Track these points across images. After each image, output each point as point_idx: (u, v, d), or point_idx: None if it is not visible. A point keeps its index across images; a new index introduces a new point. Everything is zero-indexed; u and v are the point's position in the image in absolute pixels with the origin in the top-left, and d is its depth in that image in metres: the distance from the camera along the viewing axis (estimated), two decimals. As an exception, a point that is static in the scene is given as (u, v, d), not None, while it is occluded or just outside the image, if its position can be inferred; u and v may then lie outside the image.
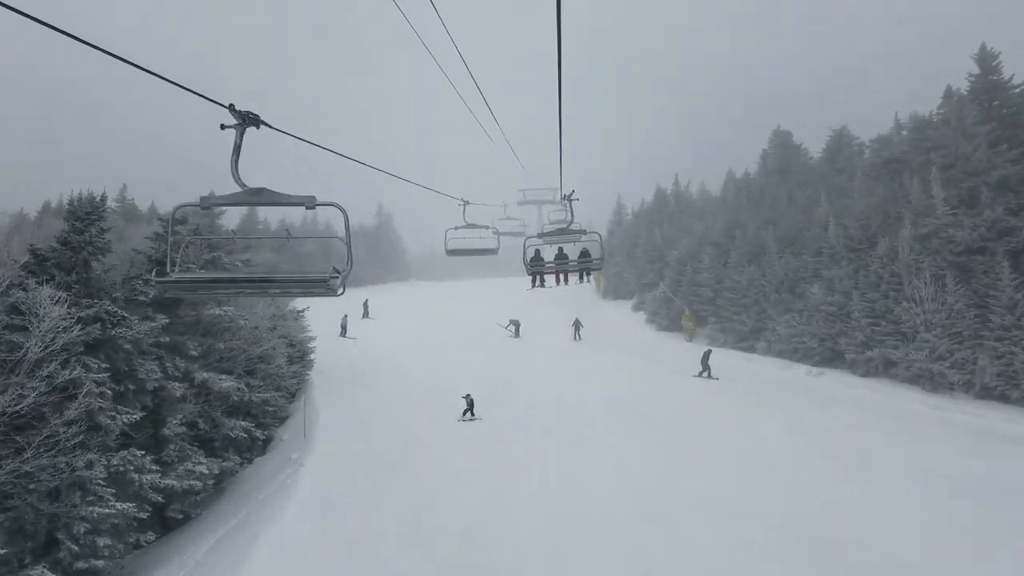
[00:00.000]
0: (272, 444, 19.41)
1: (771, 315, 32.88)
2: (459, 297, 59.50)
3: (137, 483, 13.09)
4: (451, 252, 13.99)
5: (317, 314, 30.68)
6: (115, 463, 12.74)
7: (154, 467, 13.65)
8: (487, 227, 14.06)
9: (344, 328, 37.22)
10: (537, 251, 13.67)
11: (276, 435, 19.69)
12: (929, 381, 25.44)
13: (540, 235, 12.59)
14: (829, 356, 29.75)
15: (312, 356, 25.88)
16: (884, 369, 27.41)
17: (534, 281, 15.63)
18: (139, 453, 13.21)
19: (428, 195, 13.36)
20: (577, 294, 58.91)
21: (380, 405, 22.58)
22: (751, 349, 33.55)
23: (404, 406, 22.25)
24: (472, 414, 21.48)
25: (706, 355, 29.55)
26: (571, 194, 11.58)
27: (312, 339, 26.78)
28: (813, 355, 29.99)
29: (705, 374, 28.90)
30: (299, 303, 30.50)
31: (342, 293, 5.65)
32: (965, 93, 32.96)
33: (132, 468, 13.02)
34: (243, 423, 18.58)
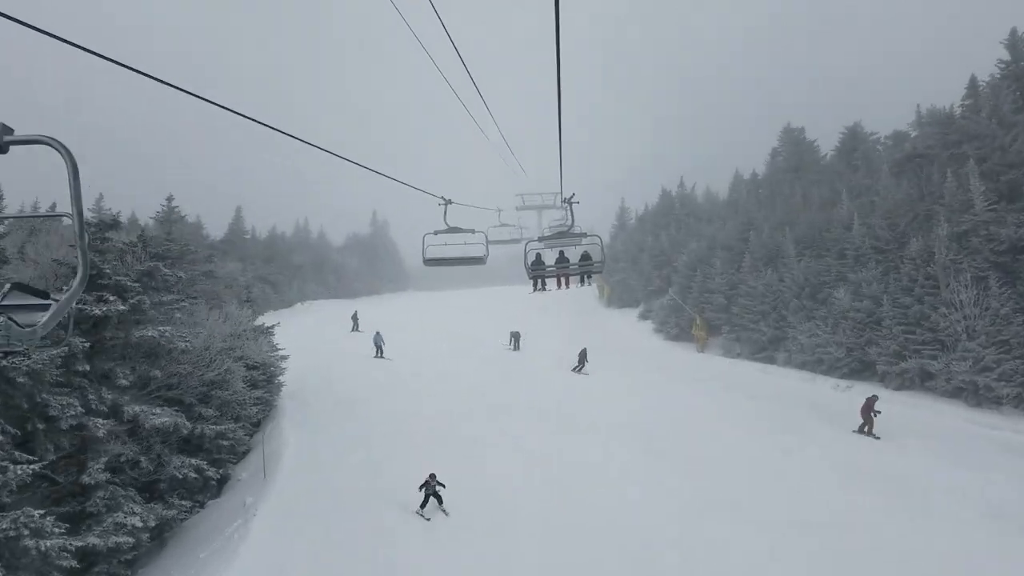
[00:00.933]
0: (229, 484, 16.77)
1: (792, 323, 30.23)
2: (457, 307, 56.95)
3: (34, 551, 10.46)
4: (429, 262, 12.75)
5: (297, 329, 28.17)
6: (2, 527, 10.12)
7: (59, 527, 10.98)
8: (472, 230, 12.70)
9: (379, 348, 32.34)
10: (538, 255, 13.29)
11: (234, 473, 17.04)
12: (973, 395, 22.79)
13: (541, 239, 12.20)
14: (858, 367, 27.08)
15: (281, 378, 23.25)
16: (921, 382, 24.74)
17: (535, 285, 14.45)
18: (35, 513, 10.57)
19: (426, 202, 12.53)
20: (581, 303, 56.43)
21: (360, 435, 19.94)
22: (770, 360, 30.88)
23: (385, 439, 19.58)
24: (438, 501, 14.91)
25: (869, 404, 21.20)
26: (571, 197, 11.58)
27: (283, 358, 24.11)
28: (840, 366, 27.31)
29: (866, 428, 20.94)
30: (270, 318, 28.12)
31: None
32: (991, 80, 30.70)
33: (27, 532, 10.39)
34: (194, 461, 15.93)
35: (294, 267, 67.63)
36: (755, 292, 32.67)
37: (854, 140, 45.75)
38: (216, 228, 60.37)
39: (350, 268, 72.06)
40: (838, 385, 26.60)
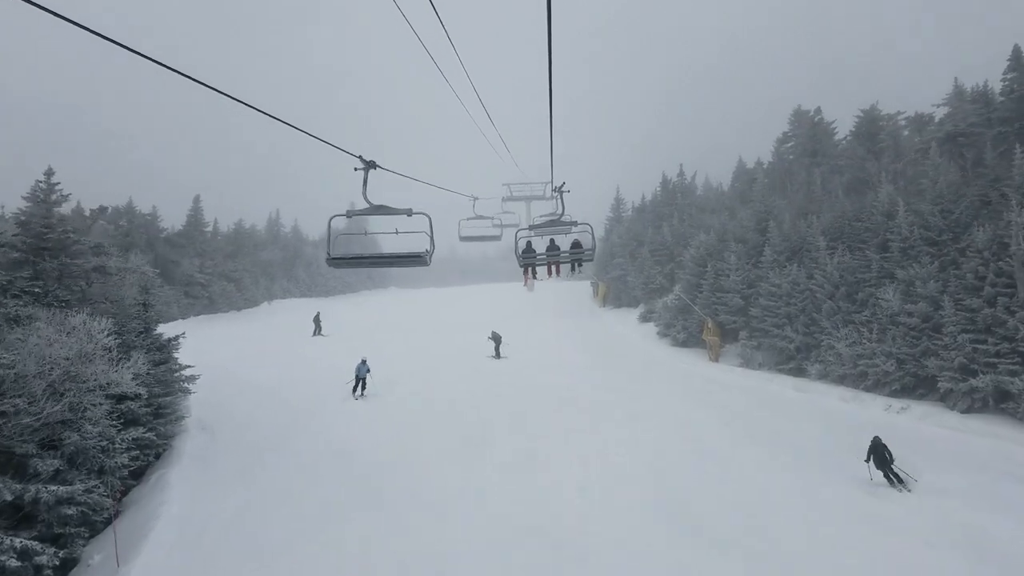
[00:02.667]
0: (76, 571, 11.70)
1: (825, 328, 25.40)
2: (441, 308, 51.82)
3: None
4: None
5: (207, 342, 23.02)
6: None
7: None
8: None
9: (360, 381, 23.28)
10: (528, 243, 13.45)
11: (83, 555, 11.92)
12: (1070, 421, 18.08)
13: (531, 227, 12.08)
14: (912, 384, 22.27)
15: (189, 405, 18.17)
16: (996, 403, 19.97)
17: (526, 272, 14.55)
18: None
19: (417, 194, 10.31)
20: (574, 302, 51.56)
21: (287, 490, 14.93)
22: (800, 372, 26.05)
23: (323, 499, 14.58)
24: None
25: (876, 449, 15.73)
26: (562, 186, 11.75)
27: (189, 379, 18.88)
28: (890, 382, 22.50)
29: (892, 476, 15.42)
30: (172, 328, 23.23)
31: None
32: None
33: None
34: (21, 540, 10.87)
35: (262, 263, 62.33)
36: (779, 291, 27.81)
37: (871, 123, 41.37)
38: (176, 220, 55.01)
39: (320, 265, 66.65)
40: (890, 406, 21.77)
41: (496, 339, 31.34)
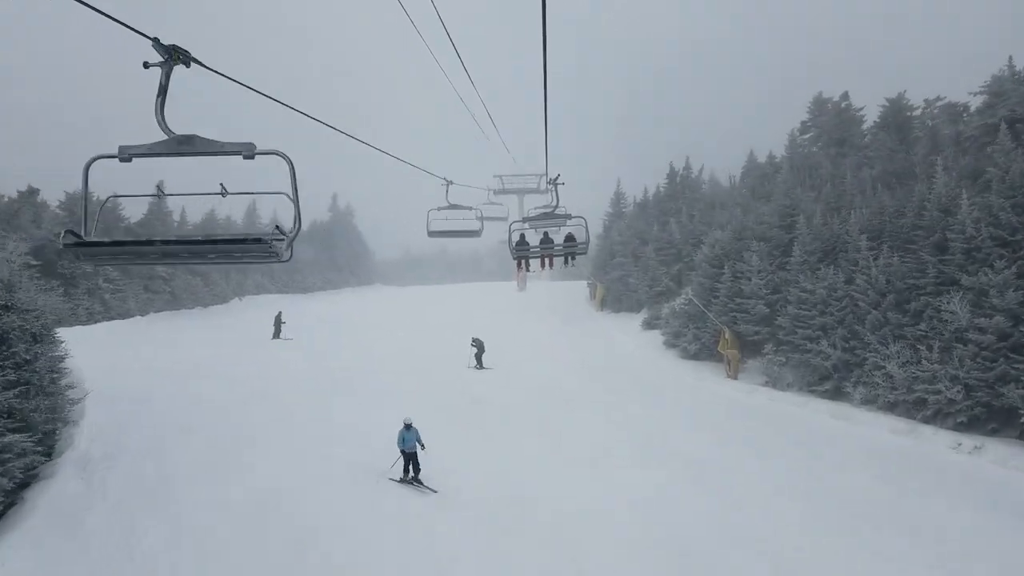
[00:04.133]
0: None
1: (871, 344, 21.22)
2: (425, 307, 47.54)
3: None
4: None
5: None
6: None
7: None
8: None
9: (409, 464, 14.28)
10: (522, 235, 13.32)
11: None
12: None
13: (525, 219, 12.24)
14: (984, 416, 18.10)
15: (68, 438, 13.89)
16: (1099, 445, 15.85)
17: (519, 266, 14.86)
18: None
19: (401, 185, 9.29)
20: (569, 304, 47.18)
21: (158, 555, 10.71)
22: (838, 395, 21.91)
23: None
24: None
25: None
26: (556, 178, 11.61)
27: (70, 404, 14.68)
28: (955, 412, 18.31)
29: None
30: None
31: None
32: None
33: None
34: None
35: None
36: (812, 298, 23.62)
37: (897, 113, 37.60)
38: (141, 207, 50.38)
39: (303, 259, 62.24)
40: (959, 445, 17.59)
41: (478, 346, 27.09)
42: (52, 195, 43.11)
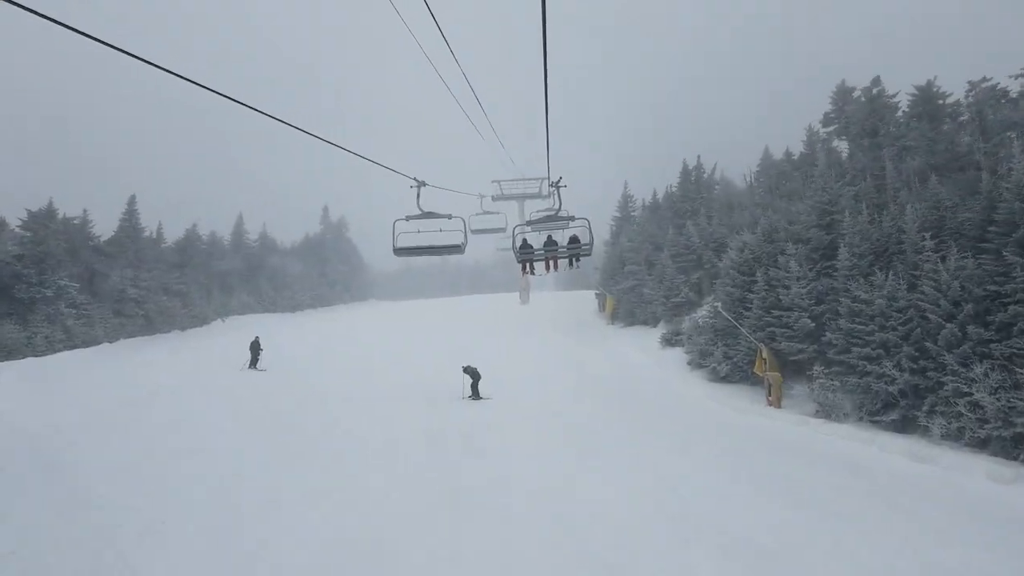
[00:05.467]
0: None
1: (948, 364, 17.33)
2: (423, 324, 43.77)
3: None
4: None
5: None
6: None
7: None
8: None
9: None
10: (525, 239, 13.14)
11: None
12: None
13: (529, 222, 12.32)
14: (1113, 458, 14.21)
15: None
16: None
17: (524, 268, 13.85)
18: None
19: (397, 195, 12.13)
20: (577, 317, 43.31)
21: None
22: (909, 427, 18.03)
23: None
24: None
25: None
26: (559, 181, 11.87)
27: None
28: (1073, 454, 14.44)
29: None
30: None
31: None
32: None
33: None
34: None
35: (220, 275, 54.31)
36: (868, 310, 19.76)
37: (927, 101, 34.06)
38: (104, 230, 46.59)
39: (292, 275, 58.62)
40: (1085, 496, 13.68)
41: (472, 374, 23.30)
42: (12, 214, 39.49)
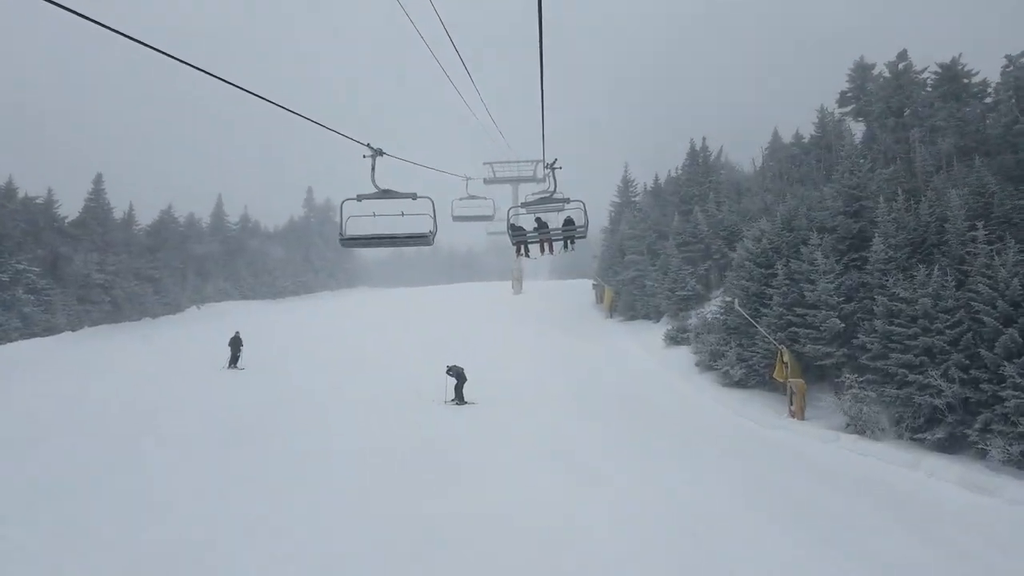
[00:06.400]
0: None
1: (1007, 374, 14.77)
2: (408, 312, 41.12)
3: None
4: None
5: None
6: None
7: None
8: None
9: None
10: (519, 221, 13.30)
11: None
12: None
13: (523, 204, 12.07)
14: None
15: None
16: None
17: (519, 251, 13.24)
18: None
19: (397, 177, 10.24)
20: (574, 310, 40.65)
21: None
22: (957, 447, 15.52)
23: None
24: None
25: None
26: (554, 163, 11.51)
27: None
28: None
29: None
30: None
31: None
32: None
33: None
34: None
35: (196, 259, 51.44)
36: (910, 310, 17.17)
37: (952, 80, 31.59)
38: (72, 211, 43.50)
39: (273, 260, 55.76)
40: None
41: (457, 375, 20.69)
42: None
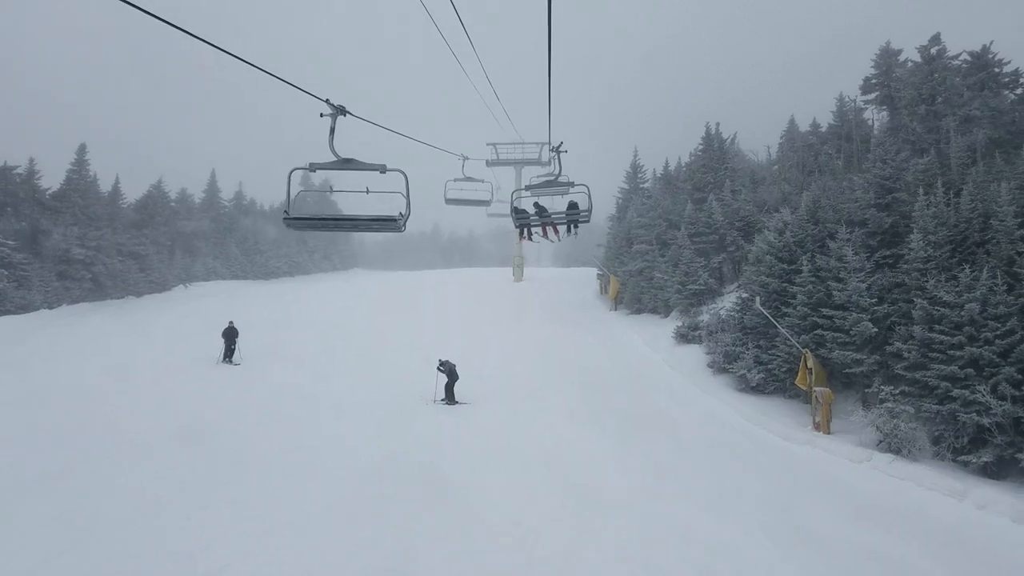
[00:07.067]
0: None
1: (1074, 396, 12.99)
2: (401, 298, 39.31)
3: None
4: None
5: None
6: None
7: None
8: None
9: None
10: (523, 205, 12.85)
11: None
12: None
13: (528, 187, 11.43)
14: None
15: None
16: None
17: (522, 234, 12.89)
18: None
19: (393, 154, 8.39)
20: (576, 301, 38.92)
21: None
22: (1007, 471, 13.78)
23: None
24: None
25: None
26: (559, 146, 11.40)
27: None
28: None
29: None
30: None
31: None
32: None
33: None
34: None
35: (185, 236, 49.60)
36: (954, 316, 15.35)
37: (982, 68, 29.82)
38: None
39: (266, 239, 53.86)
40: None
41: (449, 372, 18.94)
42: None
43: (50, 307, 35.77)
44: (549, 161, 37.89)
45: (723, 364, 21.21)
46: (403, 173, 6.96)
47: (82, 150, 40.74)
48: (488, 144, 44.87)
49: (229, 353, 23.09)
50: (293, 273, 55.81)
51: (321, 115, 6.63)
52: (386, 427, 16.06)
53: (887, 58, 35.73)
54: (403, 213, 7.15)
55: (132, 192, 47.23)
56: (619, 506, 11.87)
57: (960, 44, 30.66)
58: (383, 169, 6.87)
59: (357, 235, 74.41)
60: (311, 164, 6.93)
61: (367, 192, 7.83)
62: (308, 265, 57.88)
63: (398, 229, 7.21)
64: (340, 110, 6.66)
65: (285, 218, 7.13)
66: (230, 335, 23.38)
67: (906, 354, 16.10)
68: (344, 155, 6.86)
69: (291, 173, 7.10)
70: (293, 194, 7.19)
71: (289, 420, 16.37)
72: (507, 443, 15.20)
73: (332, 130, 6.76)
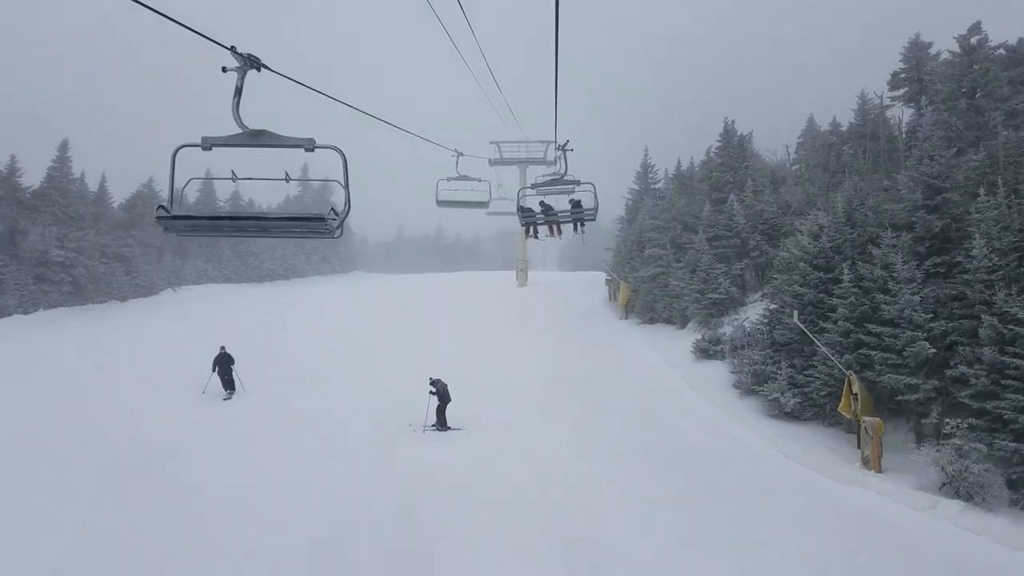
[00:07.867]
0: None
1: None
2: (396, 305, 37.20)
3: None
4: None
5: None
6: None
7: None
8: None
9: None
10: (528, 203, 12.47)
11: None
12: None
13: (533, 185, 11.58)
14: None
15: None
16: None
17: (528, 232, 13.18)
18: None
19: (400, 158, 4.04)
20: (584, 308, 36.69)
21: None
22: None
23: None
24: None
25: None
26: (566, 144, 11.25)
27: None
28: None
29: None
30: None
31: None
32: None
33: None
34: None
35: (175, 238, 47.40)
36: (1031, 336, 13.04)
37: (1016, 64, 27.82)
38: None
39: (259, 240, 51.77)
40: None
41: (441, 395, 16.76)
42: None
43: (25, 312, 33.79)
44: (555, 160, 35.80)
45: (751, 385, 18.87)
46: (339, 151, 4.87)
47: (64, 146, 38.71)
48: (491, 143, 42.73)
49: (229, 385, 19.95)
50: (288, 276, 53.72)
51: (224, 70, 4.65)
52: (360, 462, 13.89)
53: (917, 51, 33.35)
54: (336, 211, 4.90)
55: (124, 192, 45.42)
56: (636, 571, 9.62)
57: (997, 36, 28.33)
58: (310, 146, 4.72)
59: (358, 235, 72.41)
60: (204, 139, 4.78)
61: (287, 180, 5.85)
62: (305, 268, 55.74)
63: (329, 234, 4.97)
64: (249, 62, 4.60)
65: (160, 216, 4.82)
66: (224, 363, 20.08)
67: (973, 380, 13.80)
68: (257, 127, 4.77)
69: (176, 152, 4.90)
70: (179, 183, 5.03)
71: (250, 449, 14.20)
72: (500, 484, 12.98)
73: (238, 90, 4.70)
